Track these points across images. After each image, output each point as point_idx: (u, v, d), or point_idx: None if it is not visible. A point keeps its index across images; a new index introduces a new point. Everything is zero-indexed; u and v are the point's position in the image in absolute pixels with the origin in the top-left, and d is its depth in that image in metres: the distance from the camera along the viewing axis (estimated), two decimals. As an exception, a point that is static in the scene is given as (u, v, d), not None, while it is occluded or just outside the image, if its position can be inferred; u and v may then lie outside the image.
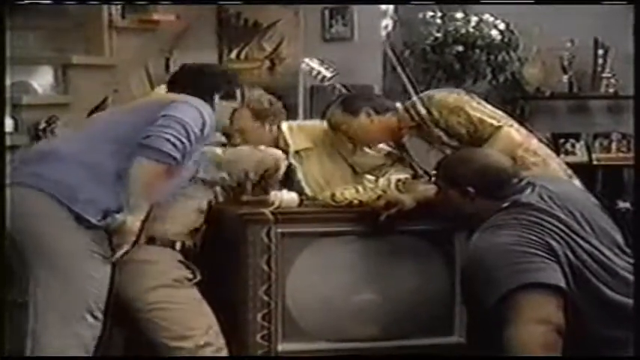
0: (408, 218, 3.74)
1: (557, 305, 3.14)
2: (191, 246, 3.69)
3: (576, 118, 7.19)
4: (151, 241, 3.54)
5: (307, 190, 4.07)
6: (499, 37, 6.71)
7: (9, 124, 4.82)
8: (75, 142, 3.47)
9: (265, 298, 3.68)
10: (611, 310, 3.22)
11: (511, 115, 4.47)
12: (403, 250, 3.81)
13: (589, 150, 7.05)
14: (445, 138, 4.01)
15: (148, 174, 3.32)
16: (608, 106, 7.12)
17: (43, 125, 5.04)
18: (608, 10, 6.42)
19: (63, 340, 3.29)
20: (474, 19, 6.72)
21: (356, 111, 4.10)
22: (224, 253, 3.74)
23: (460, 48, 6.65)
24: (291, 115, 4.64)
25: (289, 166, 4.10)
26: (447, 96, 4.08)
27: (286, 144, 4.15)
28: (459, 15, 6.74)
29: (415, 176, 4.11)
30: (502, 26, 6.72)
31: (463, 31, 6.69)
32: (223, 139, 4.06)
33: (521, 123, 4.34)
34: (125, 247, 3.39)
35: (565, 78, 7.01)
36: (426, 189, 3.76)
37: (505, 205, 3.37)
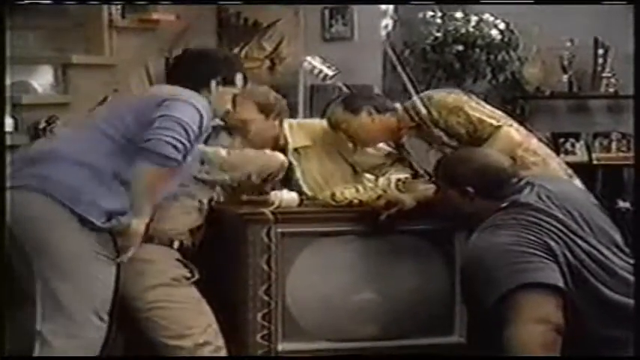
0: (408, 218, 3.74)
1: (557, 305, 3.14)
2: (189, 245, 3.69)
3: (576, 118, 7.19)
4: (150, 239, 3.53)
5: (305, 188, 4.07)
6: (499, 37, 6.72)
7: (9, 123, 4.81)
8: (73, 141, 3.44)
9: (265, 297, 3.68)
10: (610, 310, 3.22)
11: (511, 114, 4.47)
12: (403, 249, 3.81)
13: (589, 150, 7.05)
14: (445, 138, 4.00)
15: (151, 178, 3.31)
16: (608, 106, 7.13)
17: (43, 125, 5.03)
18: (608, 9, 6.42)
19: (70, 342, 3.29)
20: (474, 18, 6.73)
21: (357, 110, 4.09)
22: (224, 252, 3.74)
23: (460, 47, 6.66)
24: (292, 114, 4.64)
25: (288, 164, 4.09)
26: (446, 96, 4.08)
27: (286, 141, 4.15)
28: (459, 15, 6.75)
29: (415, 176, 4.11)
30: (502, 26, 6.72)
31: (463, 30, 6.69)
32: (221, 123, 4.02)
33: (521, 122, 4.35)
34: (132, 250, 3.37)
35: (565, 77, 7.02)
36: (426, 189, 3.76)
37: (504, 205, 3.38)
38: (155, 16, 5.84)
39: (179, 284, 3.58)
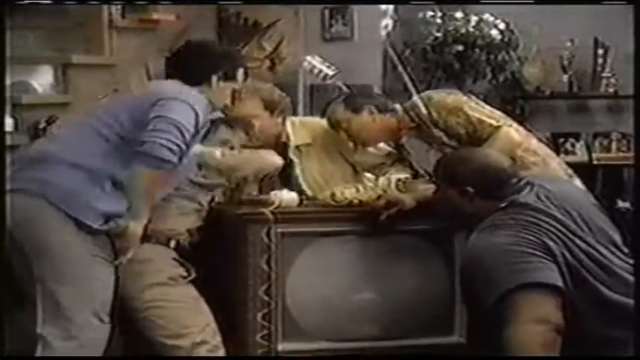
0: (408, 218, 3.74)
1: (556, 305, 3.14)
2: (186, 244, 3.68)
3: (576, 118, 7.19)
4: (147, 239, 3.52)
5: (304, 187, 4.06)
6: (499, 37, 6.72)
7: (9, 123, 4.81)
8: (68, 143, 3.42)
9: (265, 297, 3.68)
10: (610, 310, 3.22)
11: (511, 114, 4.47)
12: (403, 249, 3.81)
13: (589, 150, 7.05)
14: (445, 138, 4.00)
15: (147, 181, 3.30)
16: (608, 106, 7.13)
17: (43, 125, 5.03)
18: (608, 9, 6.42)
19: (71, 344, 3.29)
20: (474, 18, 6.73)
21: (359, 109, 4.09)
22: (224, 252, 3.74)
23: (460, 47, 6.66)
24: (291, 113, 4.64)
25: (289, 162, 4.09)
26: (446, 97, 4.08)
27: (288, 138, 4.15)
28: (459, 15, 6.75)
29: (415, 176, 4.10)
30: (502, 26, 6.73)
31: (463, 30, 6.69)
32: (221, 115, 3.99)
33: (520, 122, 4.35)
34: (130, 252, 3.37)
35: (565, 77, 7.02)
36: (426, 189, 3.76)
37: (503, 205, 3.38)
38: (155, 16, 5.84)
39: (176, 283, 3.58)
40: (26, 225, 3.28)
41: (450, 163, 3.59)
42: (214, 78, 3.58)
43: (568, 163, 4.25)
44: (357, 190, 3.85)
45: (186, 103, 3.36)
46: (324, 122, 4.21)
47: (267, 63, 6.20)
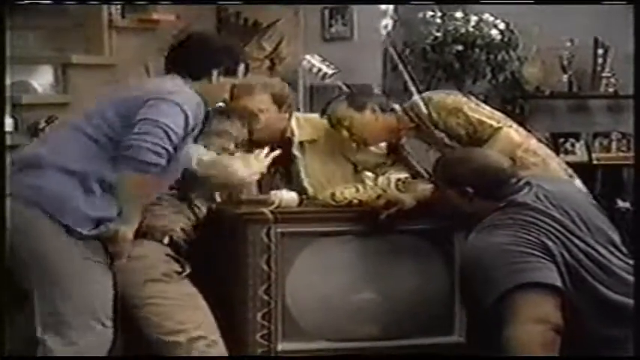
0: (408, 218, 3.74)
1: (555, 304, 3.15)
2: (181, 241, 3.66)
3: (576, 118, 7.19)
4: (140, 235, 3.48)
5: (305, 183, 4.06)
6: (499, 37, 6.72)
7: (9, 123, 4.82)
8: (57, 146, 3.38)
9: (265, 297, 3.68)
10: (609, 309, 3.23)
11: (511, 114, 4.47)
12: (403, 249, 3.81)
13: (589, 149, 7.05)
14: (446, 139, 4.00)
15: (135, 185, 3.27)
16: (608, 106, 7.13)
17: (42, 125, 5.03)
18: (607, 9, 6.43)
19: (71, 349, 3.28)
20: (474, 18, 6.73)
21: (361, 106, 4.07)
22: (224, 252, 3.74)
23: (460, 47, 6.66)
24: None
25: (292, 158, 4.08)
26: (446, 97, 4.08)
27: (292, 133, 4.14)
28: (459, 14, 6.75)
29: (415, 176, 4.10)
30: (502, 26, 6.72)
31: (463, 30, 6.69)
32: (222, 105, 3.94)
33: (520, 122, 4.34)
34: (124, 255, 3.37)
35: (565, 77, 7.02)
36: (426, 188, 3.76)
37: (502, 204, 3.38)
38: (155, 16, 5.85)
39: (170, 280, 3.55)
40: (21, 232, 3.26)
41: (449, 164, 3.60)
42: (215, 73, 3.54)
43: (568, 163, 4.25)
44: (357, 190, 3.85)
45: (174, 104, 3.31)
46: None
47: (267, 63, 6.21)
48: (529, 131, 4.31)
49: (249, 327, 3.69)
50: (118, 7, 5.75)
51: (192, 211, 3.72)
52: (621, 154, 6.98)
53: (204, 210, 3.75)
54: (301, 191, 3.99)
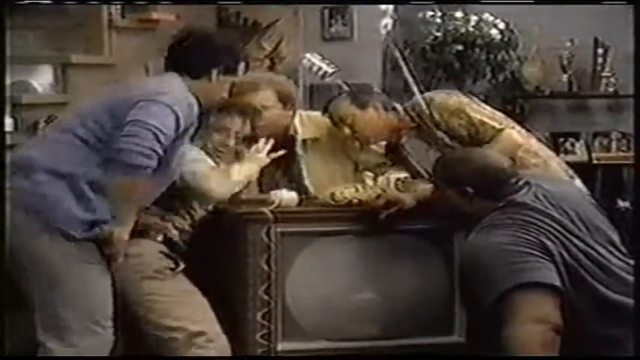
0: (408, 217, 3.74)
1: (554, 304, 3.15)
2: (177, 239, 3.65)
3: (576, 117, 7.19)
4: (135, 233, 3.45)
5: (307, 182, 4.05)
6: (499, 37, 6.72)
7: (9, 123, 4.81)
8: (48, 148, 3.37)
9: (265, 297, 3.68)
10: (608, 309, 3.23)
11: (510, 114, 4.47)
12: (403, 249, 3.81)
13: (589, 149, 7.05)
14: (447, 140, 3.99)
15: (125, 188, 3.25)
16: (608, 105, 7.13)
17: (42, 124, 5.03)
18: (607, 9, 6.43)
19: (72, 351, 3.29)
20: (474, 18, 6.73)
21: (365, 104, 4.04)
22: (224, 252, 3.74)
23: (460, 47, 6.67)
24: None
25: (295, 156, 4.07)
26: (448, 98, 4.06)
27: (296, 131, 4.13)
28: (459, 14, 6.76)
29: (414, 176, 4.09)
30: (502, 25, 6.73)
31: (463, 30, 6.70)
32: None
33: (520, 122, 4.34)
34: (120, 257, 3.35)
35: (565, 77, 7.02)
36: (426, 188, 3.76)
37: (501, 204, 3.38)
38: (155, 15, 5.84)
39: (164, 277, 3.54)
40: (17, 235, 3.26)
41: (449, 163, 3.59)
42: (214, 72, 3.51)
43: (568, 163, 4.25)
44: (357, 190, 3.85)
45: (164, 105, 3.28)
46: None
47: (267, 63, 6.21)
48: (529, 131, 4.31)
49: (249, 327, 3.69)
50: (118, 7, 5.75)
51: (188, 212, 3.71)
52: (621, 153, 6.99)
53: (200, 212, 3.74)
54: (302, 190, 3.99)
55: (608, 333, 3.23)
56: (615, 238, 3.43)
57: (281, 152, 3.82)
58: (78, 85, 5.37)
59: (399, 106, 4.11)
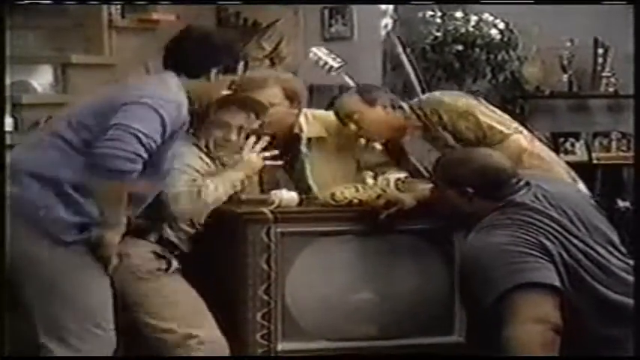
0: (408, 217, 3.74)
1: (554, 304, 3.15)
2: (171, 237, 3.63)
3: (576, 117, 7.19)
4: (128, 233, 3.42)
5: (311, 181, 4.04)
6: (499, 37, 6.72)
7: (9, 123, 4.82)
8: (33, 152, 3.36)
9: (265, 297, 3.68)
10: (608, 309, 3.23)
11: (511, 114, 4.45)
12: (403, 249, 3.81)
13: (589, 149, 7.05)
14: (451, 141, 3.95)
15: (111, 192, 3.22)
16: (608, 105, 7.13)
17: (42, 124, 5.03)
18: (607, 9, 6.43)
19: (74, 354, 3.28)
20: (474, 18, 6.73)
21: (373, 101, 4.00)
22: (224, 252, 3.74)
23: (460, 47, 6.66)
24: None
25: (299, 155, 4.06)
26: (457, 100, 4.02)
27: (301, 129, 4.11)
28: (459, 14, 6.75)
29: (414, 175, 4.08)
30: (502, 25, 6.73)
31: (463, 30, 6.70)
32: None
33: (521, 122, 4.32)
34: (114, 260, 3.33)
35: (565, 77, 7.02)
36: (426, 188, 3.75)
37: (500, 204, 3.38)
38: (155, 16, 5.85)
39: (156, 278, 3.54)
40: (11, 241, 3.25)
41: (449, 164, 3.59)
42: (213, 71, 3.49)
43: (568, 163, 4.23)
44: (357, 190, 3.84)
45: (148, 107, 3.23)
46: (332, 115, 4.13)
47: (267, 63, 6.20)
48: (530, 131, 4.29)
49: (249, 327, 3.68)
50: (118, 7, 5.75)
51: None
52: (621, 153, 6.98)
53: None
54: (306, 189, 3.97)
55: (608, 333, 3.23)
56: (615, 238, 3.43)
57: (278, 162, 3.82)
58: (78, 86, 5.38)
59: (405, 105, 4.08)
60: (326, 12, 6.42)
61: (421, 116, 4.00)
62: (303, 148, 4.07)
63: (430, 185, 3.71)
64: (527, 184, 3.46)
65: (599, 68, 6.98)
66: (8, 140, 4.28)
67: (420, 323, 3.82)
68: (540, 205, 3.36)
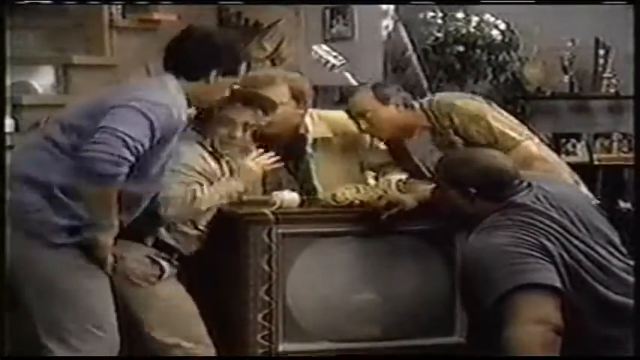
0: (409, 218, 3.74)
1: (555, 305, 3.15)
2: (169, 241, 3.61)
3: (577, 118, 7.18)
4: (123, 235, 3.39)
5: (316, 182, 4.03)
6: (500, 37, 6.71)
7: (9, 124, 4.81)
8: (24, 155, 3.35)
9: (266, 298, 3.68)
10: (609, 310, 3.23)
11: (512, 115, 4.44)
12: (404, 250, 3.81)
13: (590, 150, 7.04)
14: (459, 144, 3.93)
15: (98, 195, 3.19)
16: (609, 106, 7.12)
17: (42, 125, 5.02)
18: (608, 10, 6.42)
19: (75, 354, 3.28)
20: (475, 19, 6.72)
21: (387, 99, 3.97)
22: (225, 253, 3.74)
23: (461, 48, 6.66)
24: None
25: (304, 155, 4.05)
26: (469, 103, 4.00)
27: (307, 130, 4.09)
28: (460, 15, 6.75)
29: (415, 175, 4.07)
30: (503, 26, 6.72)
31: (464, 31, 6.69)
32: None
33: (522, 123, 4.32)
34: (109, 261, 3.32)
35: (566, 78, 7.01)
36: (427, 189, 3.75)
37: (501, 205, 3.38)
38: (156, 16, 5.85)
39: (148, 284, 3.53)
40: (8, 245, 3.25)
41: (452, 164, 3.59)
42: (213, 73, 3.43)
43: (569, 164, 4.23)
44: (358, 191, 3.84)
45: (136, 110, 3.20)
46: (342, 116, 4.11)
47: (268, 63, 6.20)
48: (533, 132, 4.28)
49: (250, 328, 3.68)
50: (119, 7, 5.75)
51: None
52: (622, 154, 6.97)
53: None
54: (311, 190, 3.96)
55: (608, 333, 3.23)
56: (615, 239, 3.43)
57: (279, 165, 3.81)
58: (79, 86, 5.37)
59: (416, 104, 4.06)
60: (327, 12, 6.43)
61: (431, 117, 3.98)
62: (309, 149, 4.05)
63: (431, 186, 3.71)
64: (529, 185, 3.46)
65: (600, 69, 6.97)
66: (8, 141, 4.28)
67: (420, 324, 3.82)
68: (541, 206, 3.36)
